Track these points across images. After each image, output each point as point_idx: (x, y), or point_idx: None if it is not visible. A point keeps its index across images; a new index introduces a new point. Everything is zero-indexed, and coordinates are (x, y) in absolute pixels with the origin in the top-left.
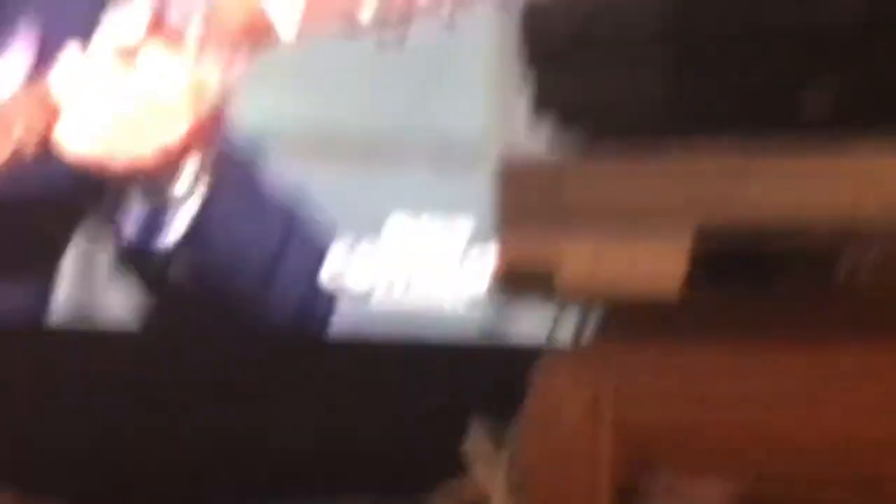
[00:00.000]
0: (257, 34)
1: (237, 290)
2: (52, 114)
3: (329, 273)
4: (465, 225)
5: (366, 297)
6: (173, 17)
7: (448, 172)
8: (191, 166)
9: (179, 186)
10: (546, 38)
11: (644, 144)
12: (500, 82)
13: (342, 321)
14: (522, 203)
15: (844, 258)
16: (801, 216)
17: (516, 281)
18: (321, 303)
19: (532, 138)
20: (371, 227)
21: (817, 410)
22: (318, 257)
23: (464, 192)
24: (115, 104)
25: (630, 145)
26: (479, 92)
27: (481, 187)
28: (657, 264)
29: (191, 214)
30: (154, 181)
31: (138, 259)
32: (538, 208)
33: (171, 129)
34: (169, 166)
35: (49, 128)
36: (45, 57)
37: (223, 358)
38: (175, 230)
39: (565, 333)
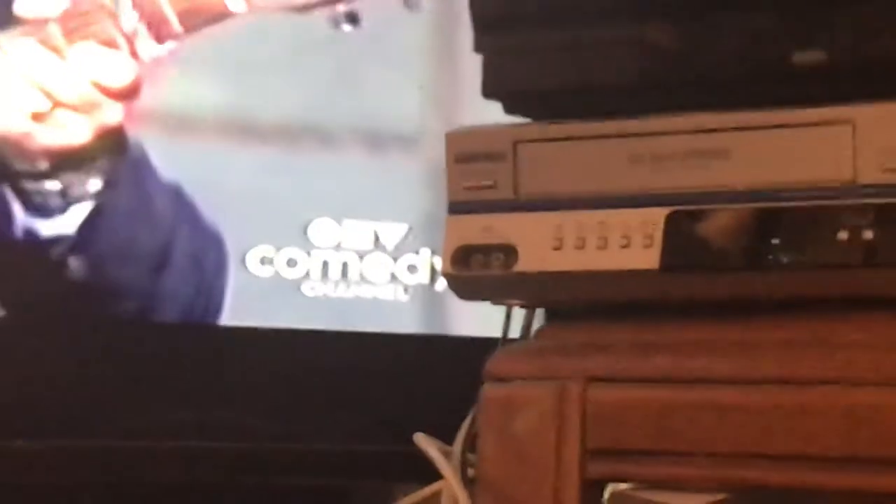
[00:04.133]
0: (208, 9)
1: (129, 283)
2: None
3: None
4: (400, 221)
5: (298, 285)
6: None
7: (381, 161)
8: (92, 158)
9: (79, 177)
10: (496, 14)
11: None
12: (439, 68)
13: (275, 310)
14: (473, 175)
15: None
16: (786, 190)
17: (470, 260)
18: (218, 291)
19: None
20: (299, 217)
21: (801, 387)
22: (210, 248)
23: (398, 181)
24: (47, 88)
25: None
26: (414, 77)
27: (417, 176)
28: (629, 241)
29: (86, 207)
30: (61, 170)
31: (29, 251)
32: (493, 182)
33: (99, 116)
34: (78, 155)
35: None
36: None
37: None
38: (70, 222)
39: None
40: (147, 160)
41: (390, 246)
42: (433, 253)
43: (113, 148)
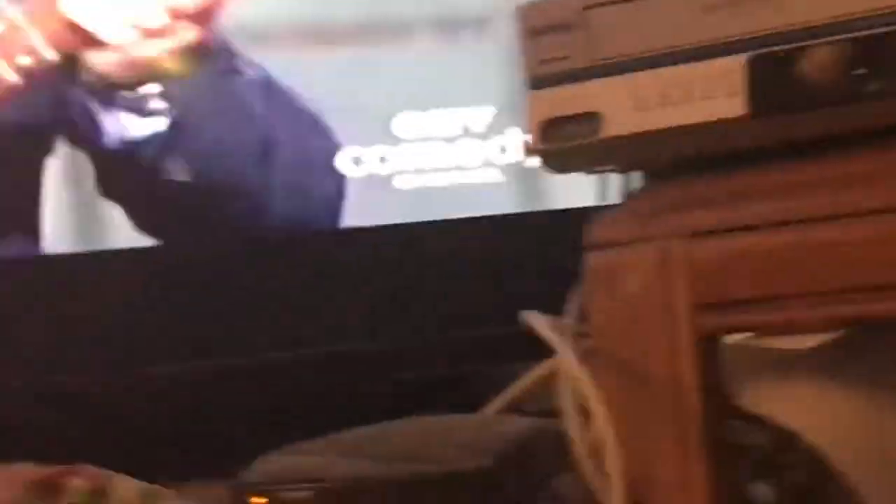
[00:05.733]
0: None
1: (233, 184)
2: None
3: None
4: (484, 107)
5: (388, 179)
6: None
7: (455, 46)
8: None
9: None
10: None
11: None
12: None
13: (366, 207)
14: (548, 48)
15: None
16: (869, 18)
17: (557, 132)
18: (329, 190)
19: None
20: (381, 113)
21: None
22: (316, 144)
23: (477, 64)
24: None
25: None
26: None
27: (495, 57)
28: (713, 92)
29: (172, 111)
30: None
31: (126, 168)
32: (569, 51)
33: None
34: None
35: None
36: None
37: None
38: (158, 128)
39: (612, 190)
40: (234, 58)
41: (479, 130)
42: (522, 131)
43: (196, 59)
